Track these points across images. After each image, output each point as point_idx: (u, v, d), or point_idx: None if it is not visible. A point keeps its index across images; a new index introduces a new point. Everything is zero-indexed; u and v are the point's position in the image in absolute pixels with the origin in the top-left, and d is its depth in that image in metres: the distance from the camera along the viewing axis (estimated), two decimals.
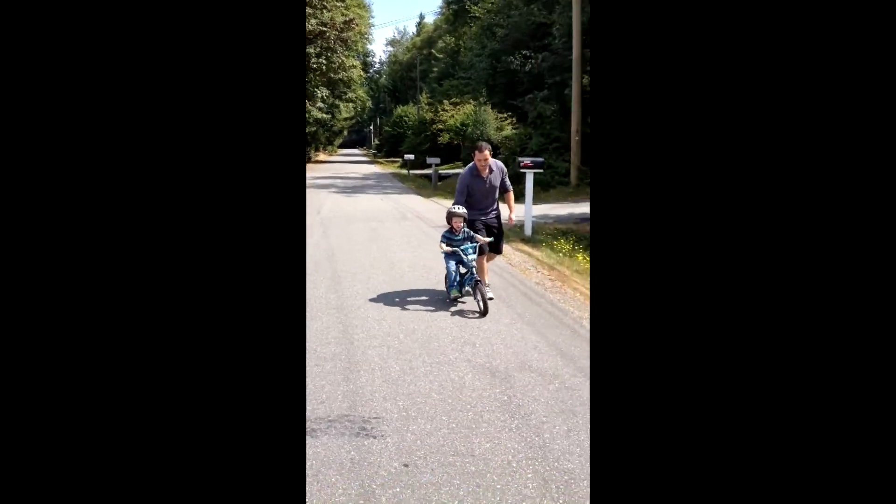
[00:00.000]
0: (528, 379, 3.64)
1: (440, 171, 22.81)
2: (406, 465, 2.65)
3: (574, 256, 7.84)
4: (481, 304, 5.00)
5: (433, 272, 6.65)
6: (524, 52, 19.31)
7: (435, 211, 13.36)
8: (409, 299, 5.53)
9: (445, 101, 33.91)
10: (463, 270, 5.30)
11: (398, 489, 2.47)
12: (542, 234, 9.43)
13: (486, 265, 5.76)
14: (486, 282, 5.57)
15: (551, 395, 3.40)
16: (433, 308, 5.20)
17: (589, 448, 2.80)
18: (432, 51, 45.90)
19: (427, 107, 36.83)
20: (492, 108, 25.51)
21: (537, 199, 12.00)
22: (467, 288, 5.30)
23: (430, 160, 22.34)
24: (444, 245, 5.34)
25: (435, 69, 43.32)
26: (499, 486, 2.49)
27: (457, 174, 25.10)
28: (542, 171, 10.36)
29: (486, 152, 5.44)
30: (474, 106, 28.35)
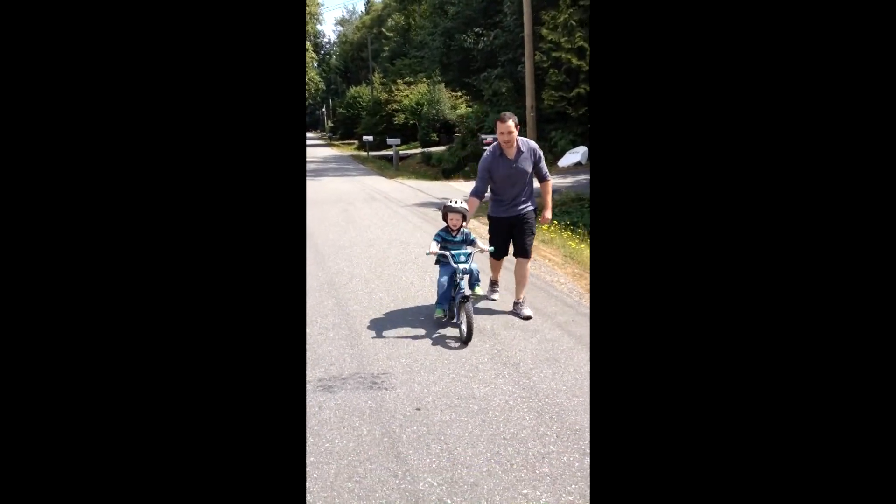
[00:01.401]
0: (512, 335, 4.07)
1: (400, 152, 23.01)
2: (418, 409, 3.04)
3: (538, 227, 8.32)
4: (464, 328, 3.90)
5: (410, 247, 7.01)
6: (476, 29, 19.58)
7: (400, 191, 13.66)
8: (392, 273, 5.88)
9: (399, 81, 33.88)
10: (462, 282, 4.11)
11: (415, 427, 2.86)
12: None
13: (527, 274, 4.59)
14: (522, 296, 4.51)
15: (535, 347, 3.84)
16: (417, 279, 5.57)
17: (573, 386, 3.26)
18: (382, 30, 45.51)
19: (380, 87, 36.68)
20: (446, 87, 25.73)
21: None
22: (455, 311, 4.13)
23: (390, 141, 22.50)
24: (434, 246, 4.27)
25: (386, 48, 43.03)
26: (501, 420, 2.92)
27: (416, 155, 25.31)
28: None
29: (510, 123, 4.20)
30: (428, 85, 28.50)
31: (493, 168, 4.41)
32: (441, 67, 22.98)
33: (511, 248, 4.63)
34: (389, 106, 33.08)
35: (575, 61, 14.53)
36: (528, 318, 4.39)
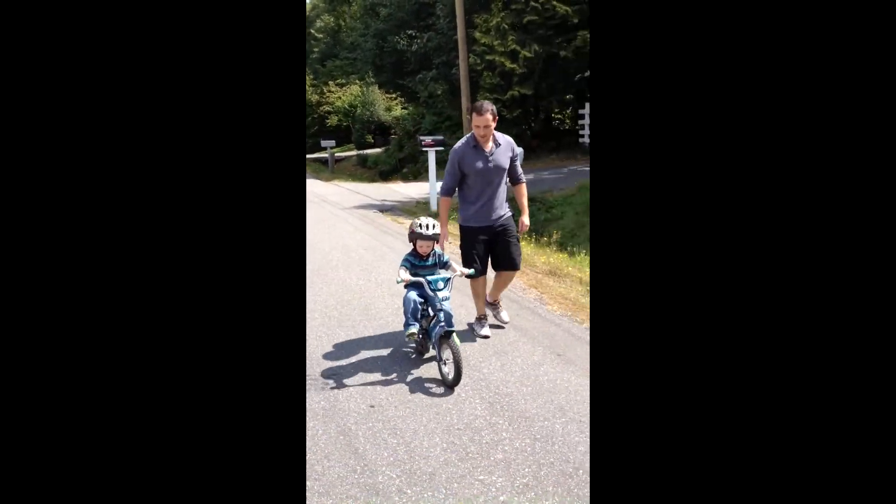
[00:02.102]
0: (461, 331, 4.17)
1: (335, 154, 22.76)
2: (372, 406, 3.09)
3: None
4: (449, 369, 3.25)
5: (351, 249, 7.00)
6: (409, 32, 19.67)
7: (338, 194, 13.55)
8: (336, 276, 5.86)
9: (331, 83, 33.49)
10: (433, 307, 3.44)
11: (371, 424, 2.90)
12: None
13: (501, 289, 4.14)
14: (501, 306, 4.20)
15: (482, 341, 3.95)
16: (362, 281, 5.59)
17: (522, 376, 3.38)
18: (311, 31, 44.83)
19: (311, 88, 36.14)
20: (379, 89, 25.66)
21: (438, 177, 12.55)
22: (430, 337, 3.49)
23: (324, 143, 22.22)
24: (402, 272, 3.49)
25: (316, 50, 42.41)
26: (454, 412, 3.00)
27: (351, 157, 25.07)
28: (443, 148, 10.90)
29: (489, 115, 3.65)
30: (361, 87, 28.34)
31: (464, 161, 3.77)
32: (374, 69, 22.91)
33: (491, 262, 3.97)
34: (321, 108, 32.64)
35: (508, 64, 14.85)
36: (505, 323, 4.03)
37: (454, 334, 3.27)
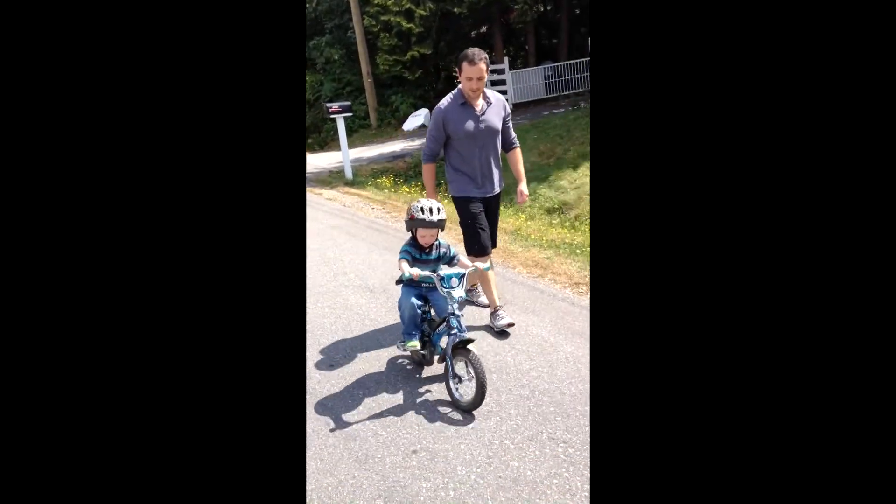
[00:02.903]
0: (398, 289, 4.35)
1: None
2: (332, 366, 3.24)
3: (399, 190, 8.60)
4: (468, 389, 2.68)
5: None
6: None
7: None
8: None
9: None
10: (446, 310, 2.77)
11: (332, 387, 3.06)
12: (362, 176, 10.02)
13: (492, 280, 3.44)
14: (498, 302, 3.47)
15: None
16: None
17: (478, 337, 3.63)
18: None
19: None
20: None
21: (349, 144, 12.43)
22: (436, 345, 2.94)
23: None
24: (404, 265, 2.82)
25: None
26: (410, 367, 3.22)
27: None
28: (351, 114, 10.79)
29: (482, 64, 3.09)
30: None
31: (450, 119, 3.22)
32: None
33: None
34: None
35: (405, 24, 14.75)
36: (510, 325, 3.40)
37: (471, 343, 2.64)
